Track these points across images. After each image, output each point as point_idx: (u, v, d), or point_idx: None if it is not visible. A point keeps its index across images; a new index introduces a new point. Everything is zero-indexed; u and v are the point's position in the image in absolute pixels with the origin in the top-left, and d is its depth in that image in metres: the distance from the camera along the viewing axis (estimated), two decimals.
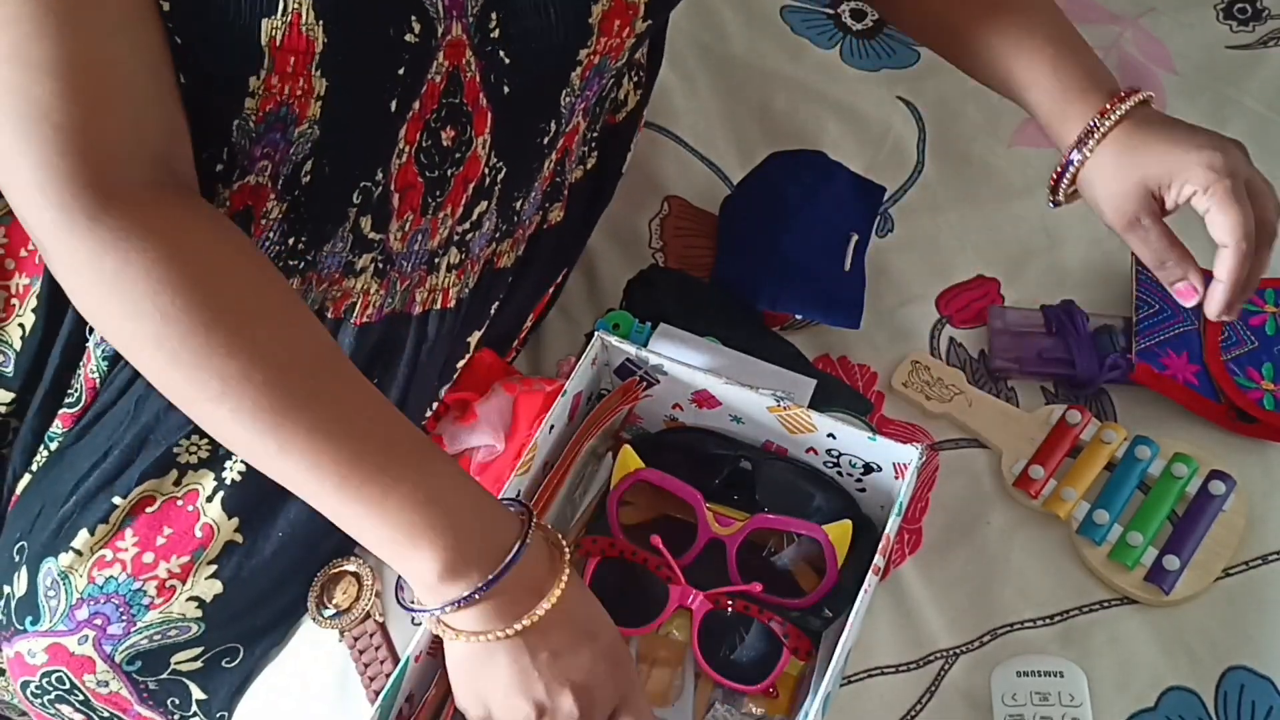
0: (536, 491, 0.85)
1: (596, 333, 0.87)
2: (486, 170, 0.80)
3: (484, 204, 0.83)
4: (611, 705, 0.71)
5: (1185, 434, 0.94)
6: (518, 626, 0.67)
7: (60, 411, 0.88)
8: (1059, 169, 0.84)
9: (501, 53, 0.72)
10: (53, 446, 0.88)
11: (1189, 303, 0.83)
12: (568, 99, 0.79)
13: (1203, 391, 0.95)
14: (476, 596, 0.66)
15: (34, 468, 0.88)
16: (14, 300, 0.90)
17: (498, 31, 0.71)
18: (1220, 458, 0.92)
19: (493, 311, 0.92)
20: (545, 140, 0.81)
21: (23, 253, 0.89)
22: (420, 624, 0.72)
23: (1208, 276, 0.99)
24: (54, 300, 0.87)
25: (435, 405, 0.92)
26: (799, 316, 1.00)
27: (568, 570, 0.70)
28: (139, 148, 0.64)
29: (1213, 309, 0.80)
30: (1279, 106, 1.14)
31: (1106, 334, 0.98)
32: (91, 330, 0.86)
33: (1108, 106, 0.81)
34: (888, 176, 1.10)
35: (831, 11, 1.24)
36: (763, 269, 1.00)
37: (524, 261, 0.93)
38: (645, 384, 0.88)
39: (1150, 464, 0.92)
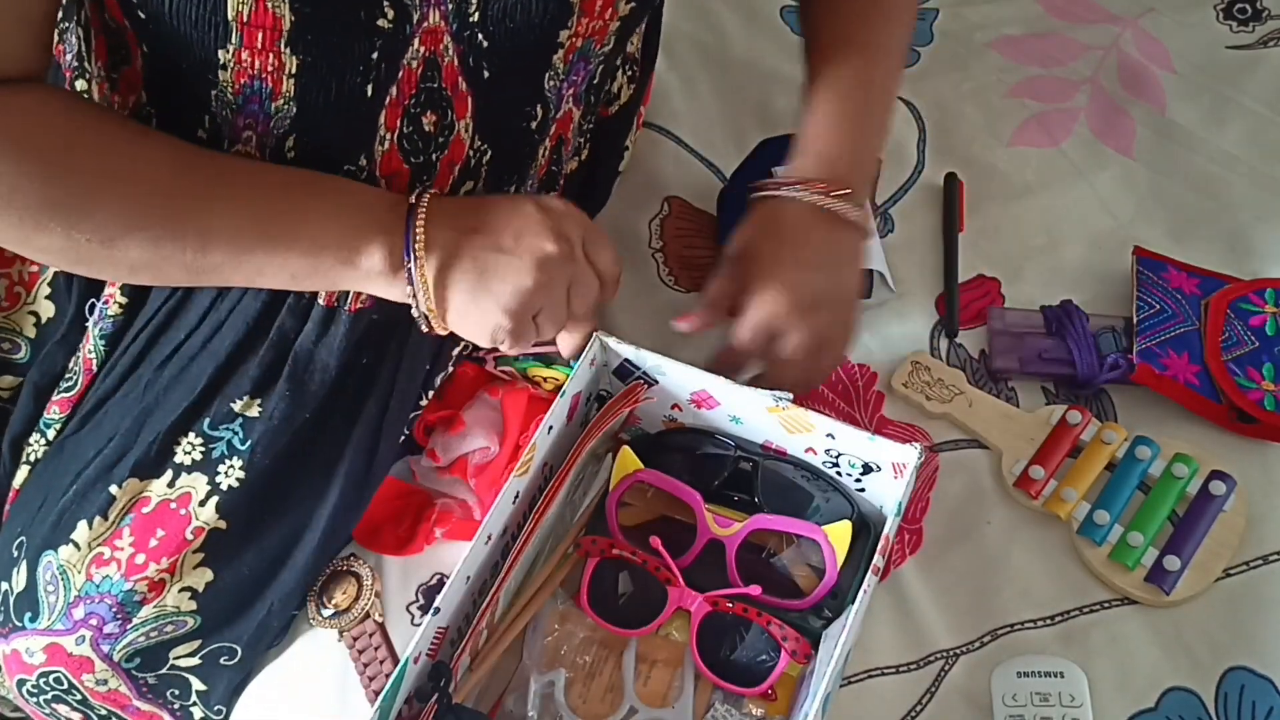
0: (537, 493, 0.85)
1: (595, 334, 0.87)
2: (471, 153, 0.80)
3: (470, 184, 0.83)
4: (563, 292, 0.76)
5: (1185, 434, 0.94)
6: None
7: (56, 396, 0.88)
8: (777, 180, 0.88)
9: (480, 35, 0.73)
10: (49, 434, 0.88)
11: (682, 326, 0.87)
12: (552, 82, 0.79)
13: (1203, 392, 0.95)
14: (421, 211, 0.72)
15: (31, 458, 0.88)
16: (18, 288, 0.90)
17: (476, 15, 0.72)
18: (1220, 458, 0.92)
19: None
20: (534, 125, 0.81)
21: None
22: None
23: (1204, 275, 1.00)
24: (65, 286, 0.87)
25: (430, 393, 0.92)
26: None
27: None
28: None
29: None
30: (1279, 106, 1.14)
31: (1107, 334, 0.97)
32: (91, 310, 0.87)
33: (816, 183, 0.85)
34: (887, 177, 1.10)
35: None
36: None
37: None
38: (644, 385, 0.88)
39: (1150, 464, 0.92)
